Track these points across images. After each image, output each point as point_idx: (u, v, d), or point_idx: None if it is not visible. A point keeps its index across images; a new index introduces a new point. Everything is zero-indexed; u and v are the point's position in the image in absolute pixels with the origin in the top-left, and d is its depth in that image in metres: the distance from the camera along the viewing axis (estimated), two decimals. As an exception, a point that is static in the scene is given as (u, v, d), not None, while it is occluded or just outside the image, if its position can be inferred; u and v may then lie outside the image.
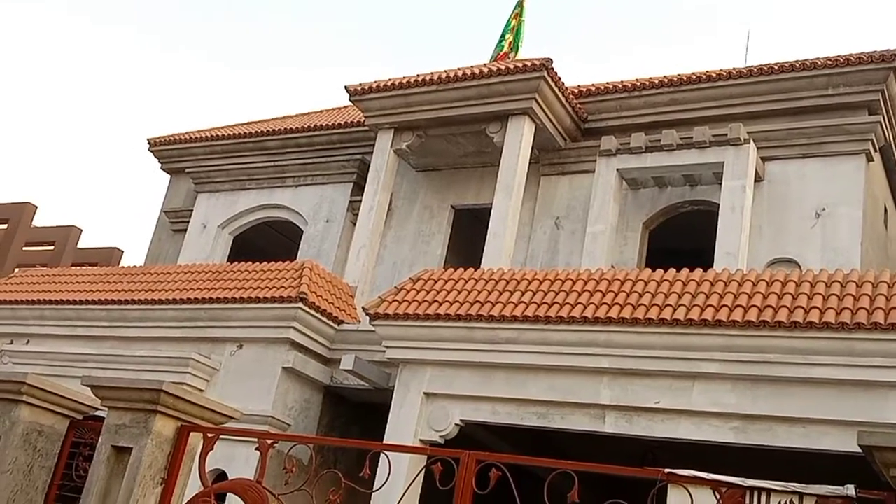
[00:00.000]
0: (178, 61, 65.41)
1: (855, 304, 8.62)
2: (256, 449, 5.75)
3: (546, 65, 14.75)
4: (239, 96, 66.16)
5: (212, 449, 5.91)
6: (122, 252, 24.78)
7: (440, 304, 10.63)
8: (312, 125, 18.82)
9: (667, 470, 4.65)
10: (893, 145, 14.80)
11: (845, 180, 13.64)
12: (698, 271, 10.05)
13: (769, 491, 4.43)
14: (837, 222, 13.41)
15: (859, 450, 4.35)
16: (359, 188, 17.24)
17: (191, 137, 20.33)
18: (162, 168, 21.22)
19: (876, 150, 14.04)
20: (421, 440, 10.39)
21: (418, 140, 16.25)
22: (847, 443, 7.88)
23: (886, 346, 8.27)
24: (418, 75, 15.99)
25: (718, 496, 4.51)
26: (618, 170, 14.66)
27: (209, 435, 5.92)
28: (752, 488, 4.46)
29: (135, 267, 15.76)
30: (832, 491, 4.31)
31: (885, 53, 13.69)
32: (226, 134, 19.82)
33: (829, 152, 13.89)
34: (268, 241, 19.54)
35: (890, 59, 13.63)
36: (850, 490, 4.28)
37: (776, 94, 14.48)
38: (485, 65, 15.86)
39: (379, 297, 11.42)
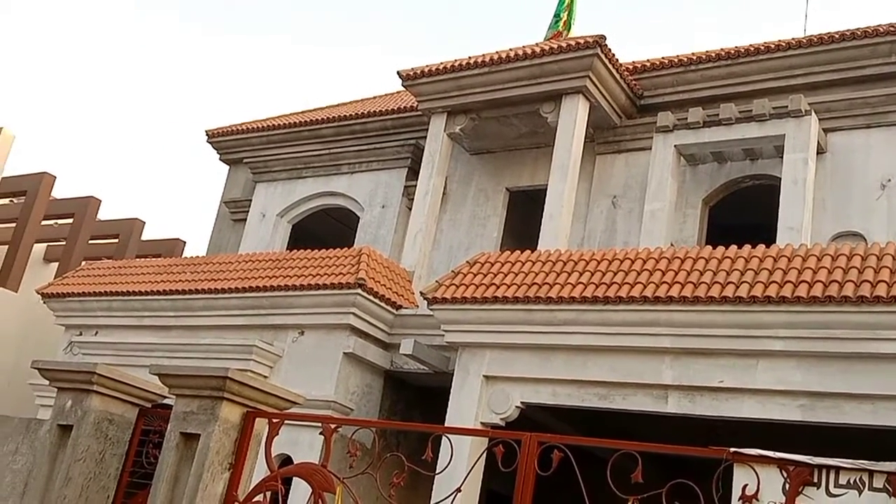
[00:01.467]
0: (222, 47, 66.16)
1: (925, 277, 8.38)
2: (321, 433, 5.84)
3: (599, 42, 14.56)
4: (292, 83, 66.64)
5: (277, 434, 6.02)
6: (185, 243, 25.17)
7: (497, 287, 10.62)
8: (366, 112, 18.90)
9: (732, 449, 4.60)
10: (962, 112, 14.30)
11: (912, 149, 13.24)
12: (760, 247, 9.86)
13: (838, 469, 4.36)
14: (904, 193, 13.03)
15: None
16: (413, 173, 17.28)
17: (247, 128, 20.57)
18: (220, 159, 21.51)
19: (944, 118, 13.58)
20: (482, 423, 10.42)
21: (471, 123, 16.20)
22: (919, 419, 7.70)
23: (959, 319, 8.04)
24: (470, 58, 15.92)
25: (786, 475, 4.45)
26: (675, 146, 14.43)
27: (274, 420, 6.03)
28: (820, 466, 4.39)
29: (197, 257, 16.05)
30: (904, 468, 4.22)
31: (952, 16, 13.24)
32: (281, 123, 20.01)
33: (894, 121, 13.48)
34: (325, 229, 19.71)
35: (957, 23, 13.18)
36: (922, 467, 4.19)
37: (837, 63, 14.08)
38: (537, 44, 15.73)
39: (436, 281, 11.46)
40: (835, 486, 4.36)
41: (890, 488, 4.25)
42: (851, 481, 4.33)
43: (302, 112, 20.97)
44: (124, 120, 66.02)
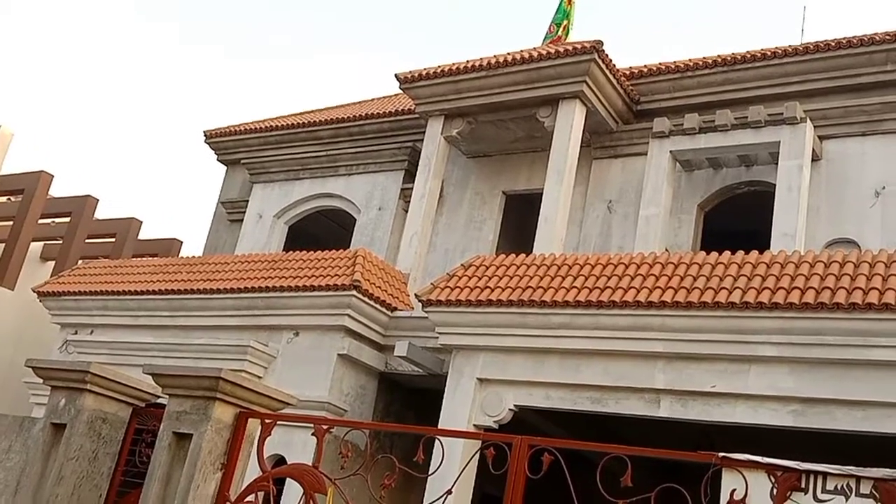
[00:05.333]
0: (222, 49, 66.32)
1: (916, 285, 8.42)
2: (313, 434, 5.86)
3: (596, 47, 14.62)
4: (290, 85, 66.72)
5: (269, 434, 6.03)
6: (182, 243, 25.15)
7: (492, 290, 10.65)
8: (363, 114, 18.93)
9: (721, 454, 4.63)
10: (957, 120, 14.35)
11: (906, 157, 13.30)
12: (754, 253, 9.91)
13: (825, 474, 4.38)
14: (899, 201, 13.08)
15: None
16: (410, 176, 17.32)
17: (245, 129, 20.60)
18: (218, 159, 21.54)
19: (938, 126, 13.63)
20: (475, 425, 10.45)
21: (468, 126, 16.25)
22: (909, 426, 7.74)
23: (950, 327, 8.08)
24: (468, 61, 15.97)
25: (774, 480, 4.47)
26: (671, 151, 14.48)
27: (267, 421, 6.04)
28: (807, 471, 4.42)
29: (193, 257, 16.07)
30: (889, 474, 4.25)
31: (947, 26, 13.30)
32: (279, 125, 20.04)
33: (889, 129, 13.54)
34: (322, 230, 19.75)
35: (952, 32, 13.24)
36: (908, 473, 4.22)
37: (833, 71, 14.15)
38: (534, 49, 15.78)
39: (431, 283, 11.49)
40: (822, 492, 4.38)
41: (877, 494, 4.28)
42: (838, 487, 4.36)
43: (300, 114, 21.00)
44: (123, 120, 66.02)
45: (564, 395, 10.18)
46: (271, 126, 20.13)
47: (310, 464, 5.85)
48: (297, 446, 10.36)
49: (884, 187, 13.26)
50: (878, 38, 13.75)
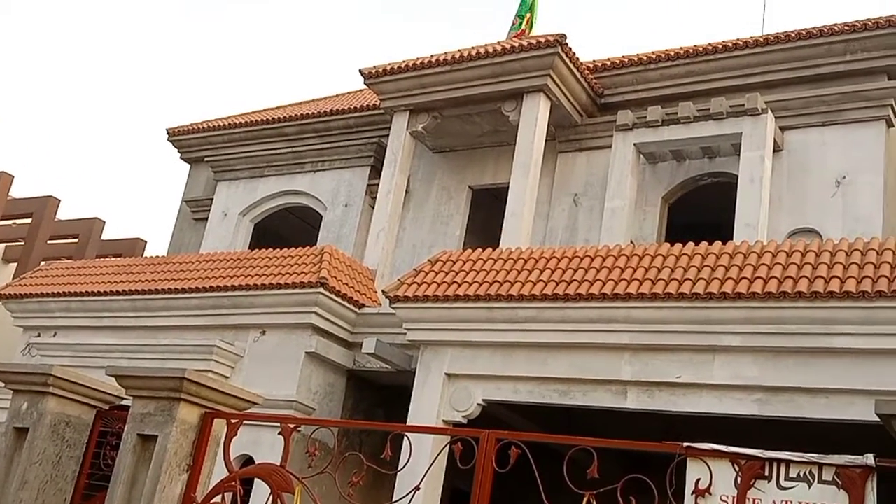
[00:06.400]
0: (185, 45, 65.69)
1: (876, 273, 8.55)
2: (280, 434, 5.83)
3: (560, 41, 14.66)
4: (254, 81, 66.18)
5: (235, 435, 6.00)
6: (146, 242, 24.93)
7: (459, 285, 10.66)
8: (328, 110, 18.84)
9: (685, 444, 4.67)
10: (915, 110, 14.60)
11: (865, 147, 13.47)
12: (717, 244, 10.00)
13: (788, 462, 4.44)
14: (858, 190, 13.26)
15: (880, 419, 4.35)
16: (376, 171, 17.26)
17: (209, 126, 20.41)
18: (181, 157, 21.33)
19: (896, 116, 13.85)
20: (444, 421, 10.46)
21: (434, 121, 16.23)
22: (870, 412, 7.83)
23: (909, 314, 8.21)
24: (432, 56, 15.94)
25: (737, 468, 4.52)
26: (635, 144, 14.57)
27: (232, 421, 6.01)
28: (770, 460, 4.47)
29: (158, 257, 15.91)
30: (851, 460, 4.31)
31: (903, 17, 13.49)
32: (243, 121, 19.88)
33: (849, 119, 13.72)
34: (288, 228, 19.63)
35: (909, 23, 13.43)
36: (868, 459, 4.28)
37: (793, 62, 14.31)
38: (498, 43, 15.79)
39: (398, 279, 11.48)
40: (785, 479, 4.44)
41: (839, 481, 4.34)
42: (801, 474, 4.42)
43: (264, 110, 20.85)
44: (84, 119, 65.15)
45: (532, 389, 10.23)
46: (235, 123, 19.97)
47: (277, 463, 5.82)
48: (265, 446, 10.30)
49: (844, 177, 13.43)
50: (837, 28, 13.92)
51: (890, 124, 13.62)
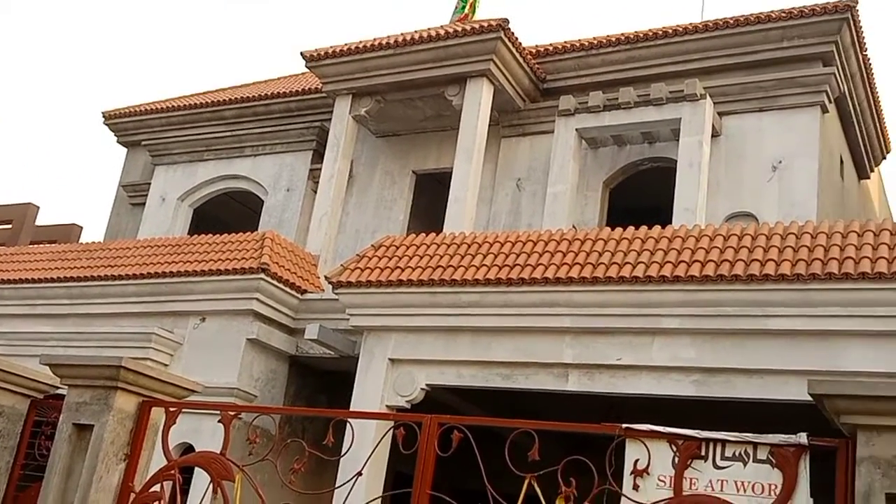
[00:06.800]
0: (123, 27, 64.31)
1: (810, 256, 8.75)
2: (219, 421, 5.75)
3: (503, 25, 14.67)
4: (193, 66, 65.05)
5: (174, 423, 5.90)
6: (81, 228, 24.39)
7: (403, 270, 10.64)
8: (269, 93, 18.60)
9: (624, 425, 4.72)
10: (848, 97, 14.94)
11: (801, 133, 13.77)
12: (657, 228, 10.13)
13: (724, 442, 4.51)
14: (794, 175, 13.55)
15: (815, 398, 4.44)
16: (319, 156, 17.12)
17: (146, 109, 20.02)
18: (118, 141, 20.91)
19: (831, 102, 14.15)
20: (387, 406, 10.45)
21: (377, 105, 16.13)
22: (804, 392, 8.02)
23: (840, 296, 8.43)
24: (375, 39, 15.83)
25: (675, 448, 4.59)
26: (576, 129, 14.68)
27: (171, 409, 5.91)
28: (707, 440, 4.54)
29: (94, 243, 15.56)
30: (785, 440, 4.40)
31: (837, 4, 13.76)
32: (182, 105, 19.52)
33: (785, 105, 13.99)
34: (228, 213, 19.38)
35: (843, 10, 13.70)
36: (802, 438, 4.37)
37: (731, 48, 14.53)
38: (441, 27, 15.74)
39: (341, 265, 11.41)
40: (721, 459, 4.51)
41: (773, 460, 4.43)
42: (737, 454, 4.50)
43: (203, 93, 20.51)
44: (15, 101, 63.35)
45: (476, 373, 10.27)
46: (173, 106, 19.60)
47: (218, 451, 5.74)
48: (205, 434, 10.17)
49: (780, 161, 13.70)
50: (774, 15, 14.16)
51: (825, 110, 13.94)
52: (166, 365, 11.75)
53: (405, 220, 16.54)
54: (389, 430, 5.53)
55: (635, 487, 4.59)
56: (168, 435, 5.87)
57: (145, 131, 19.88)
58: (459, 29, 15.12)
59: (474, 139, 14.89)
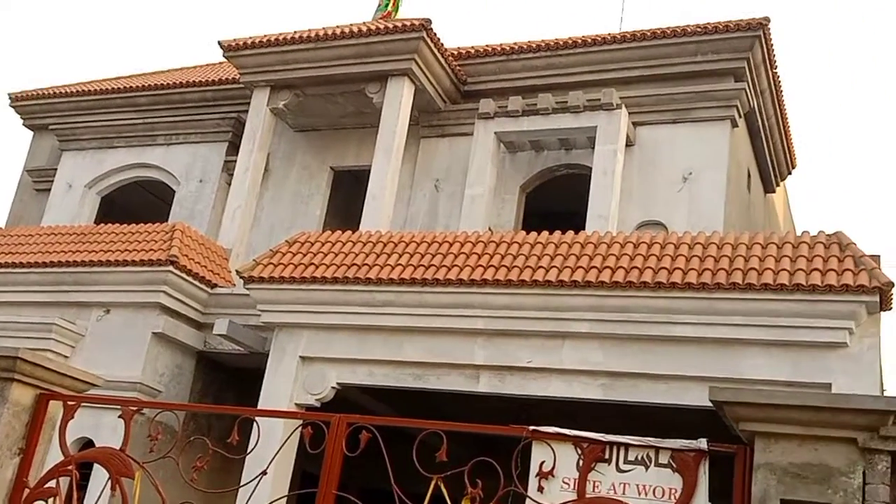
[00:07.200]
0: (38, 9, 61.90)
1: (716, 266, 9.01)
2: (120, 416, 5.60)
3: (425, 25, 14.68)
4: (108, 51, 63.09)
5: (72, 417, 5.72)
6: (-19, 213, 23.48)
7: (317, 267, 10.53)
8: (185, 81, 18.17)
9: (531, 427, 4.77)
10: (757, 112, 15.44)
11: (711, 145, 14.17)
12: (570, 233, 10.28)
13: (627, 446, 4.60)
14: (703, 186, 13.93)
15: (717, 405, 4.56)
16: (234, 148, 16.82)
17: (55, 92, 19.33)
18: (24, 124, 20.16)
19: (741, 117, 14.61)
20: (296, 404, 10.34)
21: (296, 99, 15.95)
22: (706, 398, 8.25)
23: (743, 305, 8.70)
24: (295, 32, 15.64)
25: (580, 451, 4.66)
26: (495, 133, 14.79)
27: (69, 403, 5.73)
28: (611, 443, 4.63)
29: (-6, 228, 14.96)
30: (685, 445, 4.51)
31: (750, 22, 14.19)
32: (93, 89, 18.92)
33: (697, 118, 14.38)
34: (138, 202, 18.87)
35: (755, 28, 14.15)
36: (702, 444, 4.49)
37: (648, 60, 14.84)
38: (364, 23, 15.66)
39: (254, 259, 11.24)
40: (624, 462, 4.60)
41: (674, 464, 4.54)
42: (639, 457, 4.59)
43: (116, 78, 19.93)
44: (-85, 76, 60.39)
45: (388, 372, 10.24)
46: (84, 90, 18.99)
47: (117, 447, 5.58)
48: (106, 429, 9.85)
49: (690, 173, 14.07)
50: (689, 29, 14.52)
51: (735, 124, 14.37)
52: (67, 357, 11.38)
53: (321, 216, 16.39)
54: (297, 428, 5.45)
55: (540, 489, 4.65)
56: (66, 429, 5.69)
57: (53, 115, 19.21)
58: (382, 27, 15.07)
59: (394, 138, 14.86)
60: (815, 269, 8.64)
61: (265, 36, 15.72)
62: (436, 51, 15.07)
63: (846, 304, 8.40)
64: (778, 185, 18.59)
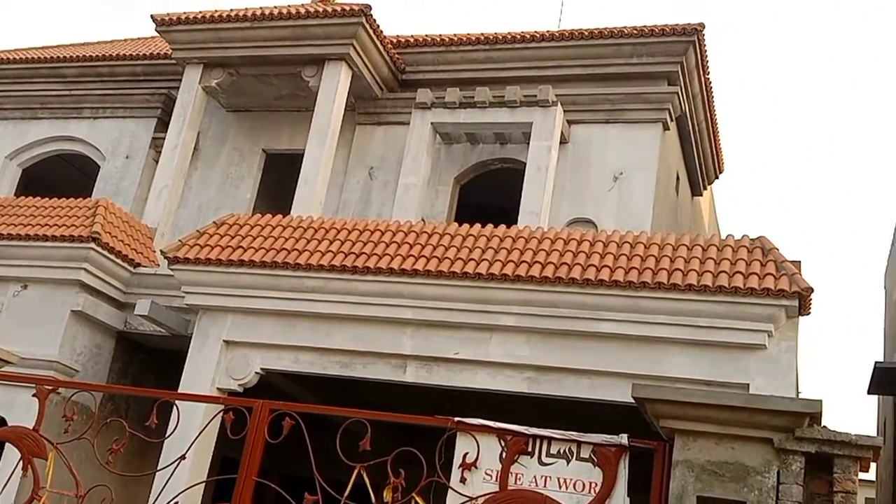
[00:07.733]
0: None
1: (642, 265, 9.15)
2: (34, 395, 5.43)
3: (365, 11, 14.56)
4: (36, 19, 61.02)
5: (-17, 396, 5.53)
6: None
7: (244, 250, 10.37)
8: (114, 54, 17.68)
9: (456, 418, 4.78)
10: (688, 116, 15.73)
11: (642, 147, 14.39)
12: (502, 227, 10.32)
13: (550, 439, 4.66)
14: (633, 186, 14.15)
15: (638, 401, 4.63)
16: (163, 124, 16.44)
17: (-25, 59, 18.60)
18: (-59, 91, 19.33)
19: (672, 120, 14.87)
20: (218, 388, 10.17)
21: (229, 78, 15.67)
22: (628, 395, 8.39)
23: (668, 304, 8.87)
24: (231, 10, 15.36)
25: (504, 444, 4.69)
26: (432, 123, 14.77)
27: (-21, 381, 5.53)
28: (534, 436, 4.67)
29: None
30: (607, 439, 4.58)
31: (686, 27, 14.43)
32: (16, 58, 18.26)
33: (630, 119, 14.59)
34: (61, 176, 18.33)
35: (690, 33, 14.39)
36: (623, 439, 4.56)
37: (584, 59, 14.98)
38: (302, 5, 15.46)
39: (179, 240, 11.01)
40: (546, 455, 4.65)
41: (595, 458, 4.60)
42: (561, 451, 4.65)
43: (42, 48, 19.28)
44: None
45: (314, 359, 10.15)
46: (7, 59, 18.31)
47: (31, 427, 5.42)
48: (20, 408, 9.56)
49: (621, 173, 14.28)
50: (626, 31, 14.70)
51: (666, 127, 14.63)
52: (-21, 333, 10.97)
53: (252, 198, 16.16)
54: (218, 413, 5.36)
55: (462, 480, 4.67)
56: (-25, 408, 5.49)
57: (-27, 83, 18.49)
58: (321, 10, 14.89)
59: (329, 123, 14.71)
60: (738, 273, 8.84)
61: (200, 12, 15.40)
62: (374, 37, 14.97)
63: (766, 307, 8.62)
64: (705, 188, 19.01)
